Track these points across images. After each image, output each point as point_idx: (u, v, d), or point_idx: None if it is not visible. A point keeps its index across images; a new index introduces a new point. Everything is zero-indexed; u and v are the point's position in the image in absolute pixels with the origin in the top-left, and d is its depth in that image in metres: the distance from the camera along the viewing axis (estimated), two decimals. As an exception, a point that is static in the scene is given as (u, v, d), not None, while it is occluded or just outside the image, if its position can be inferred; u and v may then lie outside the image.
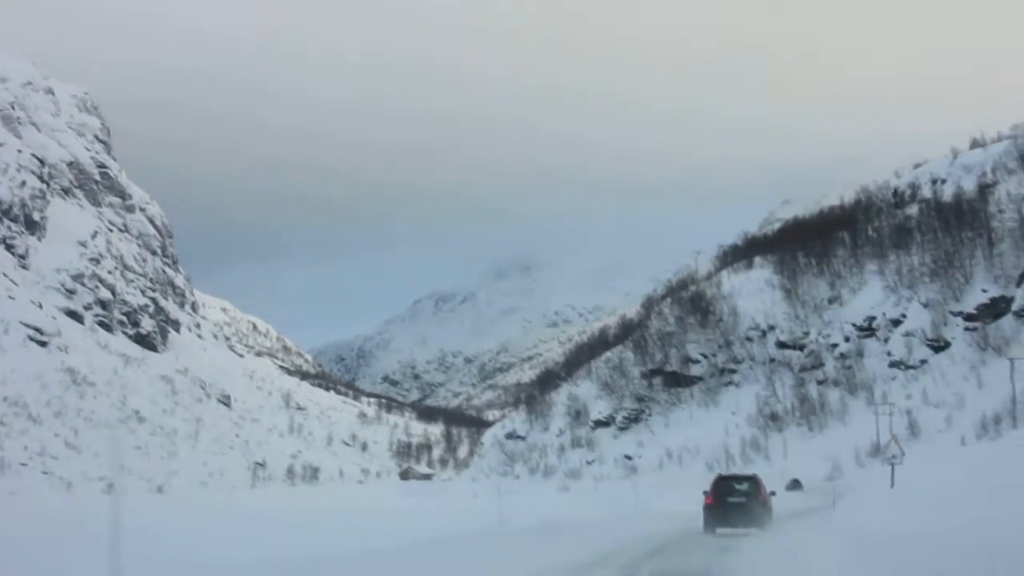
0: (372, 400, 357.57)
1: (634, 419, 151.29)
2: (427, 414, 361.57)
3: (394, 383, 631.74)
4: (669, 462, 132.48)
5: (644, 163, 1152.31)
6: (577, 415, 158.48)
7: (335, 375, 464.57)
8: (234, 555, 29.49)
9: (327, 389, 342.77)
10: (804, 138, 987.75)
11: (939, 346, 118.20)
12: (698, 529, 39.46)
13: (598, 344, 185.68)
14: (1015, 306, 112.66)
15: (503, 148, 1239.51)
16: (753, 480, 41.24)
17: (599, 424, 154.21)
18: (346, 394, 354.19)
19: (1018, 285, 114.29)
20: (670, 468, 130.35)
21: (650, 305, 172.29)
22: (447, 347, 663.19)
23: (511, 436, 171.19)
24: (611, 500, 78.97)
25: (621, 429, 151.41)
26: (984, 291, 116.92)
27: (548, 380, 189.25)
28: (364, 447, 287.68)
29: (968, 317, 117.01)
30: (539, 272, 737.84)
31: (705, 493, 40.45)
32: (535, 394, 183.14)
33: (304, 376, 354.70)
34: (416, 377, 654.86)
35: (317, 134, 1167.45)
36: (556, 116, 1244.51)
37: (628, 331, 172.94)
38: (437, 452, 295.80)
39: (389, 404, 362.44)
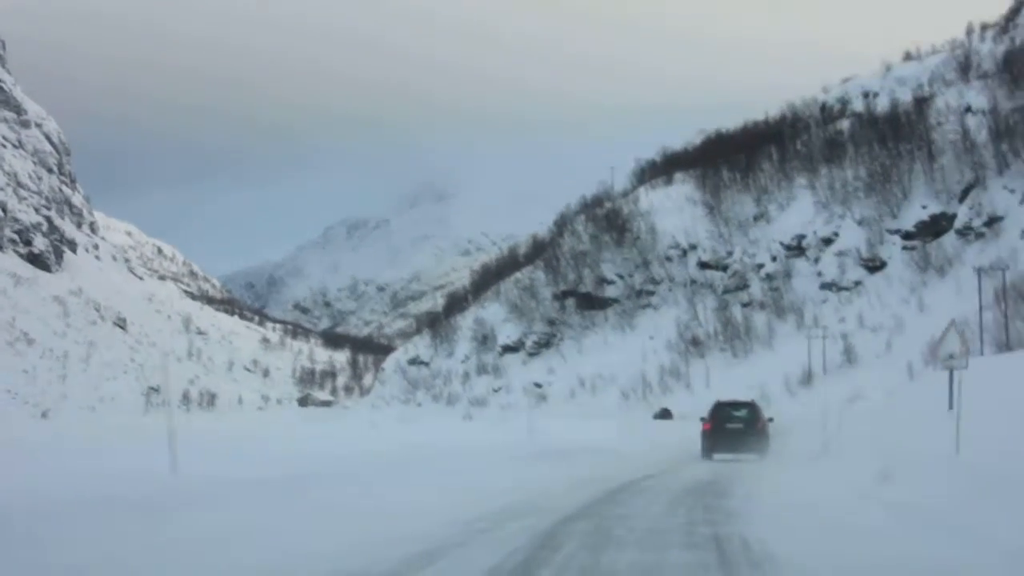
0: (277, 326, 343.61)
1: (545, 344, 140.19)
2: (333, 341, 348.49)
3: (305, 311, 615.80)
4: (582, 390, 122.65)
5: (565, 100, 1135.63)
6: (484, 340, 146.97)
7: (243, 301, 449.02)
8: None
9: (231, 314, 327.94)
10: (712, 83, 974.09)
11: (875, 266, 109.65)
12: (624, 486, 26.49)
13: (508, 265, 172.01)
14: (958, 223, 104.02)
15: (417, 76, 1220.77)
16: (751, 407, 40.67)
17: (507, 349, 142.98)
18: (251, 319, 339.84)
19: (960, 201, 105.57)
20: (583, 397, 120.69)
21: (563, 223, 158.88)
22: (359, 275, 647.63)
23: (414, 362, 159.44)
24: (511, 429, 67.51)
25: (531, 355, 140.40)
26: (924, 207, 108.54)
27: (455, 303, 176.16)
28: (266, 373, 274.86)
29: (907, 235, 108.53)
30: (453, 199, 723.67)
31: (703, 419, 40.01)
32: (440, 318, 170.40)
33: (209, 301, 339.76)
34: (327, 305, 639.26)
35: (228, 50, 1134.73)
36: (471, 50, 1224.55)
37: (540, 251, 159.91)
38: (342, 379, 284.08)
39: (295, 330, 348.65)
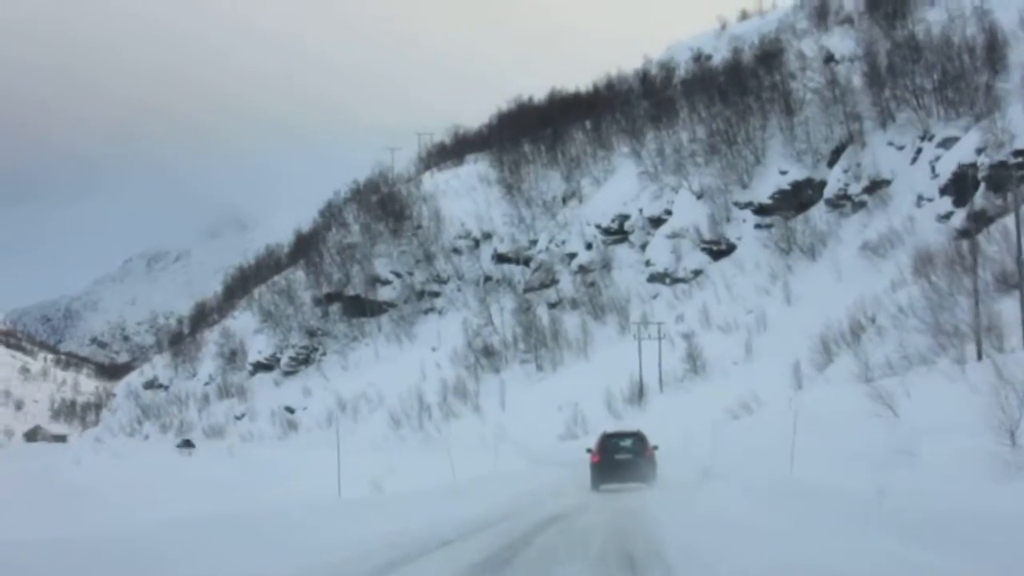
0: (50, 356, 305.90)
1: (304, 360, 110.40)
2: (109, 372, 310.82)
3: (103, 345, 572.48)
4: (342, 415, 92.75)
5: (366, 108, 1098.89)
6: (232, 356, 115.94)
7: (31, 334, 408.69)
8: None
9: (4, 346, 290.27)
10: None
11: (720, 250, 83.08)
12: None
13: (267, 268, 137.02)
14: (828, 192, 77.07)
15: (205, 101, 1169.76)
16: (638, 436, 38.39)
17: (259, 367, 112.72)
18: (32, 353, 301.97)
19: (831, 163, 78.69)
20: (342, 423, 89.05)
21: (330, 213, 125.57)
22: (159, 308, 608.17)
23: (151, 385, 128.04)
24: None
25: (287, 373, 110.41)
26: (783, 173, 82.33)
27: (203, 316, 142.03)
28: (19, 406, 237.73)
29: (761, 209, 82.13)
30: (256, 229, 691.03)
31: (590, 451, 37.68)
32: (183, 332, 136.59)
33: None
34: (126, 339, 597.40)
35: (21, 67, 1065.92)
36: (273, 69, 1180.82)
37: (304, 250, 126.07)
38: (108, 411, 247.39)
39: (68, 361, 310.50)
